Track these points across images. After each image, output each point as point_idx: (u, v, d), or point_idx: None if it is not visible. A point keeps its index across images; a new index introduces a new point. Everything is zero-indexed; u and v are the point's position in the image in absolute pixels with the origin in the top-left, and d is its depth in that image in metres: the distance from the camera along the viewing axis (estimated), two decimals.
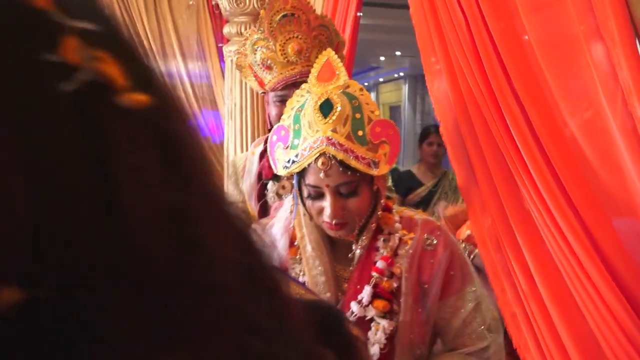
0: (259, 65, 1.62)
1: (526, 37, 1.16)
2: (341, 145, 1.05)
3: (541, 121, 1.14)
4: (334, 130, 1.06)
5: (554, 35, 1.15)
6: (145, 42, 3.16)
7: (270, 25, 1.55)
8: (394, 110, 12.97)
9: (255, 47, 1.61)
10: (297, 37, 1.56)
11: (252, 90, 2.40)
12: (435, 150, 3.04)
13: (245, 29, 2.35)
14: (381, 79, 13.54)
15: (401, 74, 12.36)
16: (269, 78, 1.62)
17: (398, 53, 10.32)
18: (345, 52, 1.82)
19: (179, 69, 3.22)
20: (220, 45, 3.04)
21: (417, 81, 11.59)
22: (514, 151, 1.18)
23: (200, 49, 3.21)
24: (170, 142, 0.32)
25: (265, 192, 1.72)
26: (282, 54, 1.57)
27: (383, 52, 10.45)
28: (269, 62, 1.59)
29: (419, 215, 1.24)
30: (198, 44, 3.21)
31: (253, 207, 1.74)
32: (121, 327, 0.27)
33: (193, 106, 3.25)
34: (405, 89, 12.47)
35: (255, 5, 2.31)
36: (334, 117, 1.06)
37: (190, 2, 3.17)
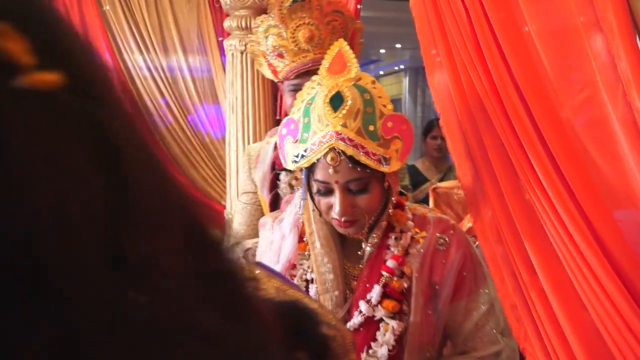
0: (271, 53, 1.57)
1: (526, 28, 1.17)
2: (351, 140, 1.01)
3: (541, 112, 1.14)
4: (344, 125, 1.02)
5: (554, 26, 1.15)
6: (145, 36, 3.16)
7: (280, 11, 1.50)
8: (395, 103, 12.86)
9: (267, 34, 1.56)
10: (308, 23, 1.50)
11: (253, 84, 2.40)
12: (439, 143, 2.99)
13: (246, 23, 2.35)
14: (381, 72, 13.50)
15: (401, 66, 12.33)
16: (281, 66, 1.58)
17: (398, 45, 10.29)
18: (361, 39, 1.75)
19: (180, 63, 3.22)
20: (220, 39, 3.03)
21: (418, 74, 11.56)
22: (515, 143, 1.19)
23: (201, 42, 3.21)
24: (96, 128, 0.27)
25: (278, 182, 1.68)
26: (293, 41, 1.51)
27: (383, 44, 10.42)
28: (280, 49, 1.54)
29: (432, 213, 1.21)
30: (199, 38, 3.20)
31: (265, 197, 1.71)
32: (40, 344, 0.23)
33: (194, 100, 3.24)
34: (405, 81, 12.44)
35: None
36: (344, 111, 1.02)
37: None
